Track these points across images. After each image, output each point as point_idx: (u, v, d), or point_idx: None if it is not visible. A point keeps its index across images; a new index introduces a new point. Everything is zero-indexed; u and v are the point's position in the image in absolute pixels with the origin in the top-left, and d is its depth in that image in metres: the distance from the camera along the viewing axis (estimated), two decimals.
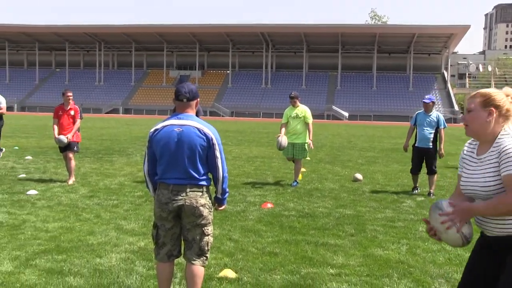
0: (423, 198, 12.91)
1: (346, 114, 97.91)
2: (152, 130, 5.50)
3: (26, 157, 19.87)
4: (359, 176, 15.97)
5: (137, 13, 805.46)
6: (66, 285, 6.27)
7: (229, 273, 6.73)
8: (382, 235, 9.12)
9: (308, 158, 14.96)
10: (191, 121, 5.41)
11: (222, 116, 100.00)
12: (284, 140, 14.37)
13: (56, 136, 13.95)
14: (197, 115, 14.05)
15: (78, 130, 14.37)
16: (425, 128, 13.59)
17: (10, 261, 7.18)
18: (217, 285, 6.38)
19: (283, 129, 14.71)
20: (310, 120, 14.96)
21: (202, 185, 5.41)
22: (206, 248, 5.48)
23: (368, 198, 12.87)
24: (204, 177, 5.43)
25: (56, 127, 14.07)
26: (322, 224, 9.84)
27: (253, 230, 9.22)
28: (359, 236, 9.04)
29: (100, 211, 10.60)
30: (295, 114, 14.77)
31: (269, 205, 11.46)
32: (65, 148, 14.12)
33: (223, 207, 5.77)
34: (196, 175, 5.36)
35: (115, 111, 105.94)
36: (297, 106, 14.89)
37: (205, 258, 5.50)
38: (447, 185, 15.23)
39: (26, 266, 6.97)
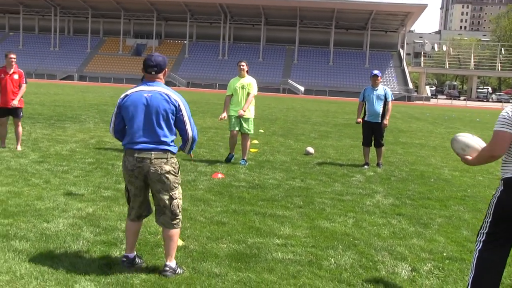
0: (372, 173, 13.09)
1: (302, 88, 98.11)
2: (122, 96, 5.75)
3: None
4: (310, 149, 16.10)
5: None
6: (11, 249, 6.24)
7: None
8: (329, 208, 9.25)
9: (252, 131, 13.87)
10: (159, 87, 5.66)
11: (178, 86, 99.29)
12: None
13: None
14: None
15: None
16: (374, 103, 13.88)
17: None
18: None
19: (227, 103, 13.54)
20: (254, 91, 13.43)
21: (167, 151, 5.64)
22: (178, 211, 5.78)
23: (318, 171, 13.01)
24: (169, 142, 5.67)
25: None
26: (271, 196, 9.95)
27: (202, 200, 9.28)
28: (307, 208, 9.16)
29: (49, 176, 10.53)
30: (240, 85, 13.43)
31: (220, 176, 11.52)
32: (7, 113, 13.83)
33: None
34: (161, 139, 5.61)
35: (69, 77, 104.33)
36: (244, 76, 13.52)
37: (178, 220, 5.82)
38: (397, 161, 15.46)
39: None
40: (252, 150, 15.79)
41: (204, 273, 5.87)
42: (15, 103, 13.65)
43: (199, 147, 16.06)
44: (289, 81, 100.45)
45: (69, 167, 11.63)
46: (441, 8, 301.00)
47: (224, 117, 13.38)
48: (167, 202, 5.70)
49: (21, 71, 13.94)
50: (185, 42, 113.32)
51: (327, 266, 6.33)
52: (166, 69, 5.85)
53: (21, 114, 14.03)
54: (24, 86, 13.87)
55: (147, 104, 5.57)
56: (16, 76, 13.71)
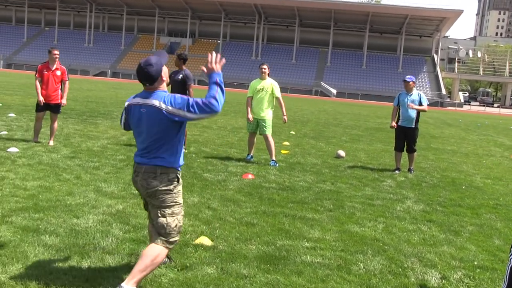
0: (403, 179, 12.98)
1: (334, 91, 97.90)
2: (126, 103, 5.54)
3: (9, 114, 19.75)
4: (341, 153, 16.02)
5: None
6: (41, 243, 6.27)
7: (205, 240, 6.77)
8: (360, 212, 9.18)
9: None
10: (154, 100, 5.25)
11: None
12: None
13: (41, 97, 13.76)
14: (186, 82, 13.96)
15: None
16: (409, 108, 13.71)
17: None
18: (192, 252, 6.41)
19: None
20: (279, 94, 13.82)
21: (157, 166, 5.32)
22: (163, 231, 5.28)
23: (349, 175, 12.93)
24: (163, 157, 5.34)
25: (39, 87, 13.80)
26: (301, 198, 9.90)
27: (232, 200, 9.26)
28: (337, 212, 9.10)
29: (80, 172, 10.59)
30: (261, 87, 13.69)
31: (250, 176, 11.50)
32: (46, 108, 13.96)
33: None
34: (155, 154, 5.33)
35: (103, 74, 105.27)
36: (265, 79, 13.77)
37: (164, 239, 5.28)
38: (429, 167, 15.31)
39: (1, 223, 6.96)
40: (283, 151, 15.77)
41: (233, 274, 5.84)
42: (64, 102, 14.09)
43: (230, 147, 16.07)
44: (322, 83, 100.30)
45: (100, 163, 11.68)
46: (477, 14, 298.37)
47: (252, 117, 13.57)
48: (155, 217, 5.36)
49: (64, 67, 14.09)
50: (218, 41, 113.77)
51: (356, 271, 6.26)
52: (162, 75, 5.32)
53: (60, 110, 14.20)
54: (67, 83, 14.10)
55: (143, 120, 5.29)
56: (58, 73, 13.85)
